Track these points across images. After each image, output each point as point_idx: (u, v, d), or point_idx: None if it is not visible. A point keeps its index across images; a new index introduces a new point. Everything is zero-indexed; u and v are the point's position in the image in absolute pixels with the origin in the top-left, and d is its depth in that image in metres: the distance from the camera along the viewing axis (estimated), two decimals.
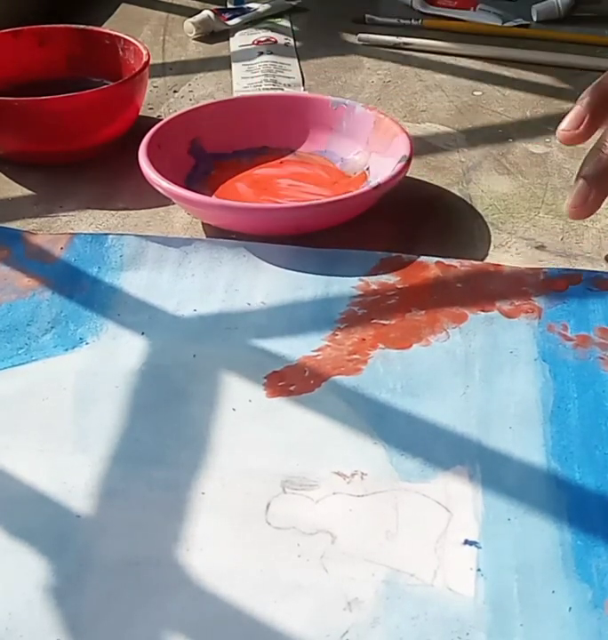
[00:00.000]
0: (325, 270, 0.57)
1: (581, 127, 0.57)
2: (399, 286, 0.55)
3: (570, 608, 0.38)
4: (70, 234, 0.59)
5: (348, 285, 0.55)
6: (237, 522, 0.43)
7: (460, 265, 0.57)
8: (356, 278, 0.56)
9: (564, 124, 0.57)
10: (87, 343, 0.52)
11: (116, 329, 0.53)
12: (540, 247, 0.60)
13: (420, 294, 0.55)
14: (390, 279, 0.56)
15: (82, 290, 0.56)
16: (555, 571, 0.40)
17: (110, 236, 0.59)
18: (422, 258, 0.57)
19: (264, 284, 0.56)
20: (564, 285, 0.55)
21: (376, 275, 0.56)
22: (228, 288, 0.56)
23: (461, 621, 0.38)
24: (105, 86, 0.70)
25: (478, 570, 0.40)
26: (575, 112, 0.57)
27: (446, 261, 0.57)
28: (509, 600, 0.39)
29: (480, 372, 0.50)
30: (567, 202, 0.58)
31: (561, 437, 0.46)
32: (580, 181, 0.57)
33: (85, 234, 0.59)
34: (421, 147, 0.72)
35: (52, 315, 0.54)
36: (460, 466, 0.45)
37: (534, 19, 0.96)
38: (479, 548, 0.41)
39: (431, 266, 0.57)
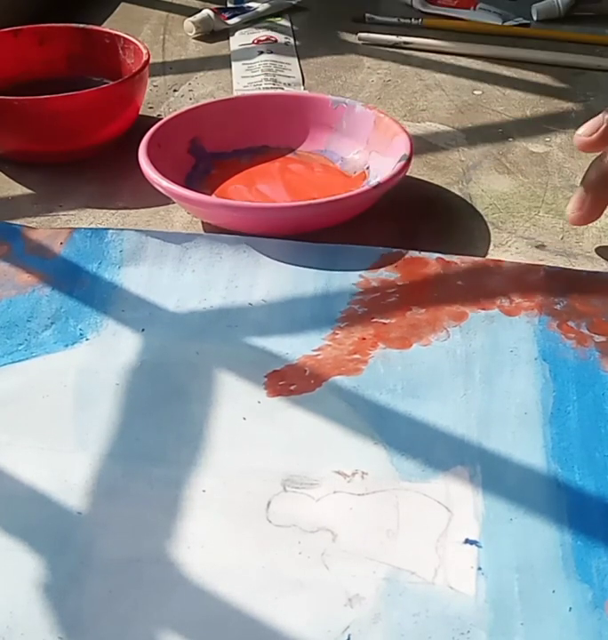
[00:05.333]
0: (326, 265, 0.57)
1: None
2: (399, 283, 0.55)
3: (570, 608, 0.38)
4: (70, 229, 0.59)
5: (348, 282, 0.55)
6: (238, 519, 0.43)
7: (460, 261, 0.57)
8: (357, 274, 0.56)
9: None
10: (87, 339, 0.52)
11: (116, 325, 0.53)
12: (540, 246, 0.60)
13: (420, 292, 0.55)
14: (391, 276, 0.56)
15: (82, 285, 0.56)
16: (555, 571, 0.40)
17: (110, 231, 0.59)
18: (423, 254, 0.57)
19: (265, 279, 0.56)
20: (563, 284, 0.55)
21: (376, 271, 0.56)
22: (229, 284, 0.56)
23: (462, 619, 0.38)
24: (105, 85, 0.70)
25: (479, 568, 0.40)
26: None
27: (447, 257, 0.57)
28: (510, 599, 0.39)
29: (480, 373, 0.50)
30: (567, 207, 0.59)
31: (561, 439, 0.46)
32: (579, 188, 0.59)
33: (85, 229, 0.59)
34: (421, 146, 0.72)
35: (51, 310, 0.54)
36: (461, 466, 0.45)
37: (534, 18, 0.96)
38: (480, 547, 0.41)
39: (432, 262, 0.57)
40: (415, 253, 0.57)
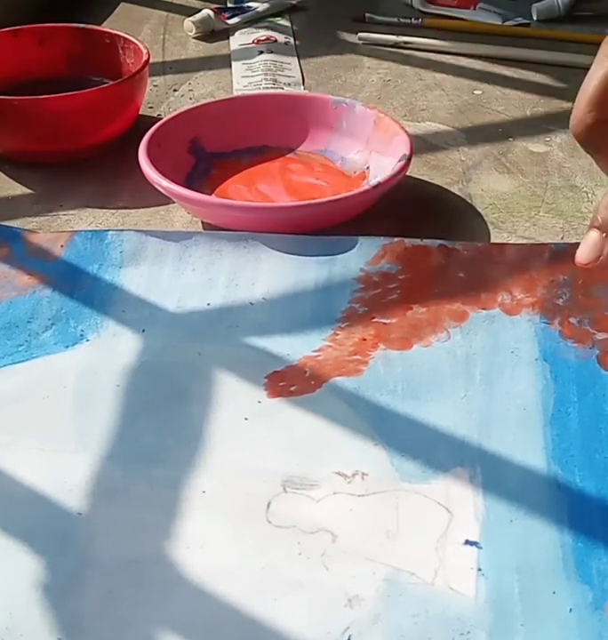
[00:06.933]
0: (328, 256, 0.56)
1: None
2: (401, 277, 0.55)
3: (570, 609, 0.38)
4: (70, 231, 0.59)
5: (349, 276, 0.55)
6: (238, 520, 0.43)
7: (462, 248, 0.57)
8: (358, 268, 0.56)
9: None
10: (88, 340, 0.52)
11: (116, 326, 0.53)
12: None
13: (421, 288, 0.55)
14: (392, 268, 0.56)
15: (82, 287, 0.55)
16: (555, 572, 0.40)
17: (110, 233, 0.59)
18: (425, 241, 0.57)
19: (265, 275, 0.56)
20: (567, 267, 0.55)
21: (378, 263, 0.56)
22: (229, 283, 0.55)
23: (462, 620, 0.38)
24: (105, 85, 0.70)
25: (479, 570, 0.40)
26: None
27: (449, 245, 0.57)
28: (510, 600, 0.39)
29: (481, 374, 0.50)
30: (578, 253, 0.49)
31: (561, 440, 0.46)
32: (593, 231, 0.49)
33: (85, 231, 0.59)
34: (421, 146, 0.72)
35: (52, 312, 0.54)
36: (461, 467, 0.45)
37: (534, 17, 0.96)
38: (480, 548, 0.41)
39: (433, 250, 0.57)
40: (417, 241, 0.57)
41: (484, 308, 0.53)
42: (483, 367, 0.50)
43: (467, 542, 0.41)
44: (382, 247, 0.57)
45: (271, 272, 0.56)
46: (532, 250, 0.57)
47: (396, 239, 0.57)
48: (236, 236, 0.58)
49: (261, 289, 0.55)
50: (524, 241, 0.61)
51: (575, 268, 0.55)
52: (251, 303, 0.54)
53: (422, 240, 0.57)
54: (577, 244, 0.57)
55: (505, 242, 0.60)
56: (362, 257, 0.56)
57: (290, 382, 0.50)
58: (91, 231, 0.59)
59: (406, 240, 0.57)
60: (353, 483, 0.44)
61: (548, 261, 0.56)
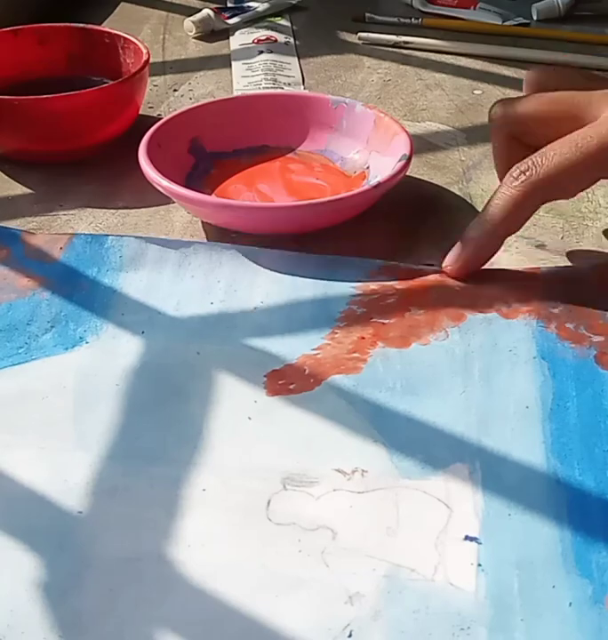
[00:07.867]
0: (324, 276, 0.56)
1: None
2: (398, 287, 0.55)
3: (570, 603, 0.38)
4: (70, 234, 0.59)
5: (347, 286, 0.55)
6: (238, 518, 0.43)
7: None
8: (355, 279, 0.56)
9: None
10: (87, 342, 0.52)
11: (115, 328, 0.53)
12: (541, 246, 0.60)
13: (419, 295, 0.55)
14: (390, 279, 0.56)
15: (81, 289, 0.56)
16: (555, 566, 0.40)
17: (110, 237, 0.59)
18: (420, 267, 0.57)
19: (263, 285, 0.56)
20: (561, 287, 0.55)
21: (375, 277, 0.56)
22: (228, 289, 0.56)
23: (462, 616, 0.38)
24: (105, 85, 0.70)
25: (479, 565, 0.40)
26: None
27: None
28: (510, 595, 0.39)
29: (479, 371, 0.50)
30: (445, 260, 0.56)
31: (560, 435, 0.46)
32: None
33: (85, 234, 0.59)
34: (421, 145, 0.72)
35: (51, 314, 0.54)
36: (460, 463, 0.45)
37: (534, 17, 0.96)
38: (479, 543, 0.41)
39: (429, 272, 0.56)
40: (413, 267, 0.57)
41: (481, 312, 0.53)
42: (481, 365, 0.50)
43: (466, 538, 0.41)
44: (379, 268, 0.57)
45: (269, 281, 0.56)
46: (525, 275, 0.57)
47: (392, 263, 0.57)
48: (232, 247, 0.58)
49: (260, 295, 0.55)
50: (524, 241, 0.60)
51: (569, 290, 0.55)
52: (254, 308, 0.54)
53: (418, 267, 0.57)
54: (567, 269, 0.57)
55: (505, 241, 0.60)
56: (359, 272, 0.56)
57: (289, 380, 0.50)
58: (90, 235, 0.59)
59: (402, 265, 0.57)
60: (353, 480, 0.44)
61: (541, 284, 0.56)
